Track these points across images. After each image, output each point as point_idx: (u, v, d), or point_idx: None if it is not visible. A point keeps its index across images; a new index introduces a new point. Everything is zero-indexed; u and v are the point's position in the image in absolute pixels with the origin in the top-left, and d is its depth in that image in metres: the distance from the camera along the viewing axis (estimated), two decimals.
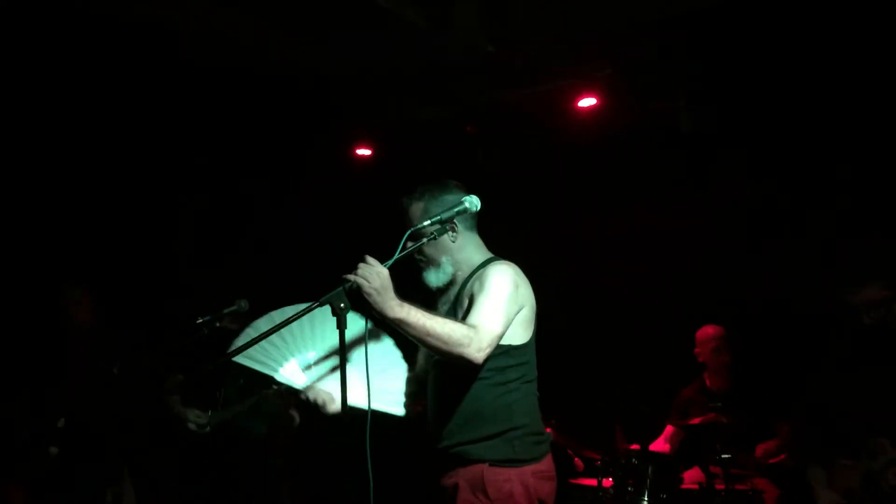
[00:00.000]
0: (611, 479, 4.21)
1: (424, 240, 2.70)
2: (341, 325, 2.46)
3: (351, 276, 2.46)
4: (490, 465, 2.73)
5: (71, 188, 5.05)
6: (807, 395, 3.38)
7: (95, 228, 5.13)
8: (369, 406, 2.58)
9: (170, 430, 3.89)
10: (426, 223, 2.69)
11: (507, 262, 2.83)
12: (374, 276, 2.47)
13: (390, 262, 2.59)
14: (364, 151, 5.85)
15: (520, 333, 2.78)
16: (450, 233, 2.81)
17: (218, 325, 3.61)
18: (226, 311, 3.65)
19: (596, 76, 4.91)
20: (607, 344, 4.96)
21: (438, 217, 2.70)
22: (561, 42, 4.58)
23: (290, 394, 3.38)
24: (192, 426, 3.65)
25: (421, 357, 3.04)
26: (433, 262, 2.85)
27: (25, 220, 4.91)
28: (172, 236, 5.58)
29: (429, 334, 2.54)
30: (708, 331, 4.79)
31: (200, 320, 3.55)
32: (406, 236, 2.68)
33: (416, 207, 2.84)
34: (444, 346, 2.56)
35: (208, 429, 3.63)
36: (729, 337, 4.75)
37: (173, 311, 4.68)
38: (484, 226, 2.95)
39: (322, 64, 4.79)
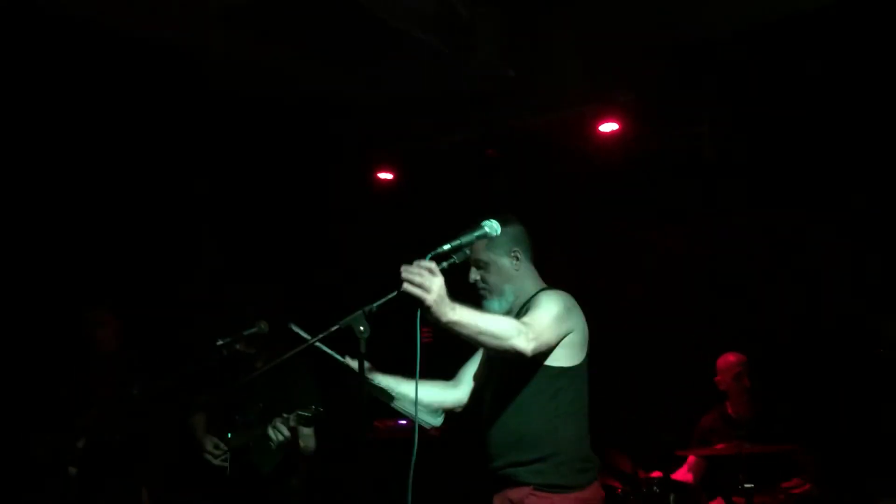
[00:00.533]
0: None
1: (444, 264, 2.68)
2: (360, 349, 2.47)
3: (410, 289, 2.39)
4: (535, 488, 2.75)
5: (93, 210, 5.10)
6: (878, 427, 3.31)
7: (117, 250, 5.17)
8: (416, 414, 2.60)
9: (190, 453, 3.89)
10: (446, 248, 2.66)
11: (559, 290, 2.91)
12: (434, 286, 2.40)
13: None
14: (386, 175, 5.88)
15: (570, 355, 2.82)
16: (514, 261, 2.93)
17: (238, 347, 3.63)
18: (245, 332, 3.65)
19: (618, 101, 4.91)
20: (626, 369, 4.91)
21: (459, 242, 2.68)
22: (582, 67, 4.59)
23: (304, 421, 3.39)
24: (208, 457, 3.67)
25: (468, 374, 3.09)
26: (496, 291, 2.94)
27: (46, 243, 4.96)
28: (195, 257, 5.61)
29: (481, 332, 2.55)
30: (729, 358, 4.73)
31: (220, 342, 3.56)
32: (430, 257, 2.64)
33: (479, 246, 2.88)
34: (495, 341, 2.58)
35: (226, 460, 3.64)
36: (750, 364, 4.69)
37: (194, 333, 4.71)
38: None
39: (348, 89, 4.84)
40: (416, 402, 2.60)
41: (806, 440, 4.25)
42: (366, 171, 5.85)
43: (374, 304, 2.59)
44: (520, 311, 2.88)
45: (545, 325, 2.69)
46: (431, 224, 3.31)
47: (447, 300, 2.45)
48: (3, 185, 4.63)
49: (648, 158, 5.05)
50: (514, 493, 2.78)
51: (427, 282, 2.38)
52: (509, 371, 2.84)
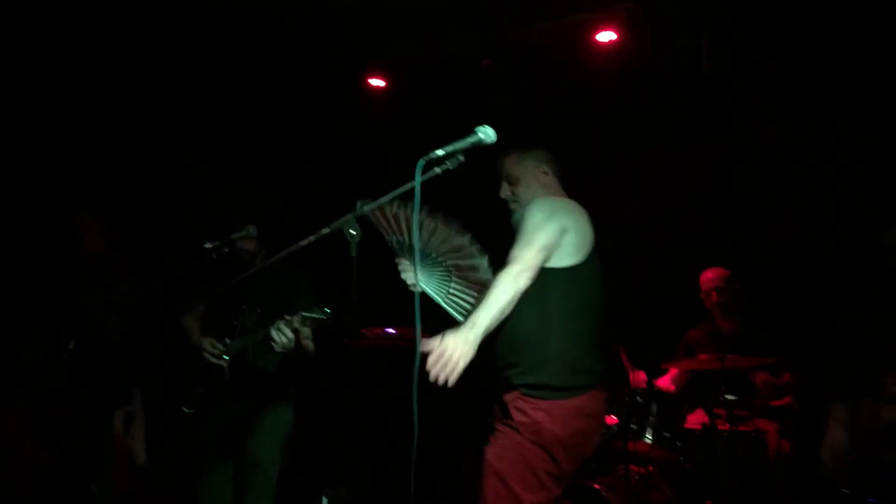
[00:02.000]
0: (615, 417, 4.24)
1: (438, 169, 2.63)
2: (352, 252, 2.46)
3: (453, 377, 2.45)
4: (523, 392, 2.79)
5: (77, 115, 5.02)
6: (833, 333, 3.36)
7: (103, 155, 5.12)
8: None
9: (183, 356, 3.91)
10: (440, 153, 2.60)
11: (553, 197, 3.03)
12: (458, 358, 2.45)
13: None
14: (378, 82, 5.76)
15: (559, 256, 2.82)
16: (542, 175, 3.09)
17: (226, 250, 3.61)
18: (234, 236, 3.64)
19: (617, 8, 4.78)
20: (618, 286, 4.93)
21: (453, 147, 2.64)
22: None
23: (305, 323, 3.38)
24: (207, 356, 3.65)
25: None
26: (525, 204, 2.97)
27: (33, 150, 4.89)
28: (181, 163, 5.55)
29: (502, 311, 2.64)
30: (707, 274, 4.75)
31: (209, 245, 3.54)
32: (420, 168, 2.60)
33: (512, 155, 3.11)
34: (506, 299, 2.65)
35: (226, 358, 3.65)
36: (732, 279, 4.70)
37: (182, 236, 4.69)
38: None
39: None
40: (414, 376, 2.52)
41: (789, 355, 4.32)
42: (357, 77, 5.72)
43: (366, 207, 2.57)
44: None
45: (527, 250, 2.73)
46: (424, 133, 3.25)
47: (463, 333, 2.50)
48: None
49: (646, 71, 4.95)
50: (507, 397, 2.83)
51: (451, 363, 2.44)
52: None
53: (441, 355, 2.43)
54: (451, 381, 2.44)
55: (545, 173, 3.11)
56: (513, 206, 3.12)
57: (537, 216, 2.82)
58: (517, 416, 2.77)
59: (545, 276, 2.78)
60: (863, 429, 3.14)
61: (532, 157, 3.12)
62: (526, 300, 2.74)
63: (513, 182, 3.12)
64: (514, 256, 2.74)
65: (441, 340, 2.47)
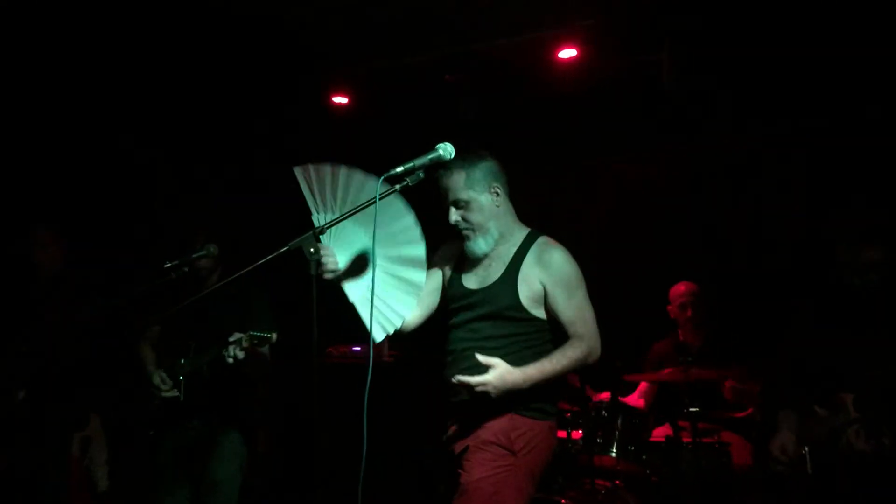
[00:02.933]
0: (580, 431, 4.24)
1: (397, 186, 2.62)
2: (312, 271, 2.45)
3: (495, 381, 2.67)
4: (523, 413, 2.83)
5: (33, 128, 4.92)
6: (786, 342, 3.39)
7: (62, 171, 5.02)
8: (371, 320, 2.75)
9: (140, 378, 3.86)
10: (399, 170, 2.60)
11: (552, 239, 2.99)
12: (502, 383, 2.68)
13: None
14: (341, 99, 5.74)
15: None
16: (494, 197, 2.93)
17: (186, 269, 3.57)
18: (194, 255, 3.62)
19: (578, 27, 4.82)
20: None
21: (412, 164, 2.62)
22: None
23: (253, 342, 3.38)
24: (156, 392, 3.68)
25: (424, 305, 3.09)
26: (480, 229, 2.94)
27: None
28: (142, 178, 5.47)
29: (557, 375, 2.78)
30: (680, 288, 4.81)
31: (168, 264, 3.50)
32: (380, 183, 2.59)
33: (458, 176, 2.91)
34: (573, 370, 2.84)
35: (181, 378, 3.63)
36: (703, 293, 4.77)
37: (141, 255, 4.62)
38: None
39: (299, 8, 4.66)
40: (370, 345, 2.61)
41: (751, 367, 4.36)
42: (320, 94, 5.69)
43: (325, 225, 2.57)
44: (518, 256, 2.91)
45: (591, 321, 2.86)
46: (388, 149, 3.24)
47: (514, 375, 2.69)
48: None
49: (608, 85, 4.99)
50: (499, 418, 2.82)
51: (482, 391, 2.66)
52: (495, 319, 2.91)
53: (481, 384, 2.65)
54: (464, 396, 2.72)
55: (496, 194, 2.95)
56: (466, 232, 2.95)
57: (582, 287, 2.89)
58: (509, 437, 2.79)
59: (552, 327, 2.91)
60: (812, 437, 3.18)
61: (480, 177, 2.91)
62: (530, 345, 2.88)
63: (462, 207, 2.93)
64: (581, 335, 2.82)
65: (491, 374, 2.66)
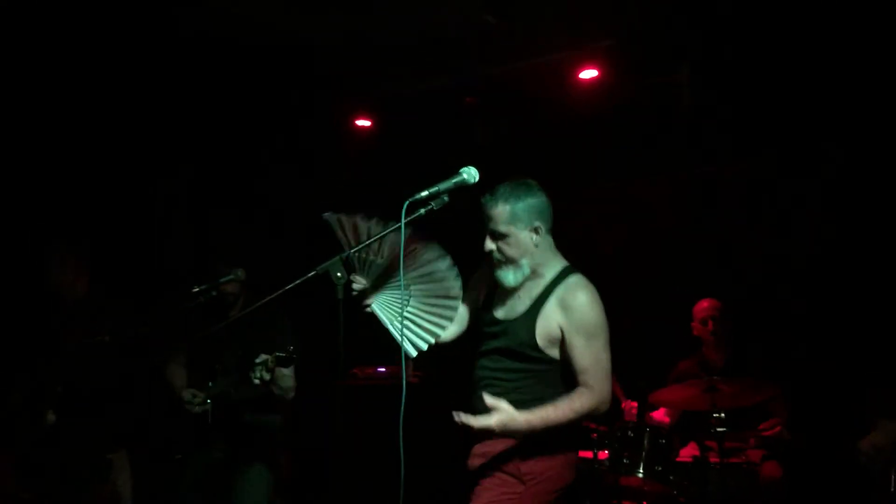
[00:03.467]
0: (606, 452, 4.22)
1: (422, 210, 2.64)
2: (338, 295, 2.48)
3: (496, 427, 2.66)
4: (535, 445, 2.80)
5: (59, 152, 4.98)
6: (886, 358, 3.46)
7: (87, 194, 5.07)
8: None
9: (167, 402, 3.90)
10: (424, 194, 2.60)
11: (583, 277, 2.92)
12: (503, 428, 2.67)
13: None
14: (364, 122, 5.82)
15: None
16: (534, 235, 2.88)
17: (214, 294, 3.62)
18: (222, 280, 3.66)
19: (597, 48, 4.86)
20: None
21: (437, 188, 2.65)
22: (562, 13, 4.52)
23: (283, 363, 3.41)
24: (188, 406, 3.70)
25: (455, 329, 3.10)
26: (512, 263, 2.91)
27: (12, 185, 4.84)
28: (167, 204, 5.55)
29: (560, 424, 2.74)
30: (703, 304, 4.79)
31: (197, 289, 3.55)
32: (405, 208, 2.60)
33: (502, 209, 2.87)
34: (578, 420, 2.80)
35: (208, 402, 3.66)
36: (726, 310, 4.75)
37: (167, 280, 4.66)
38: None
39: (322, 34, 4.74)
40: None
41: (779, 385, 4.33)
42: (343, 118, 5.77)
43: (352, 250, 2.60)
44: (546, 292, 2.89)
45: (603, 374, 2.80)
46: (410, 172, 3.28)
47: (514, 426, 2.68)
48: None
49: (629, 105, 5.02)
50: (511, 447, 2.83)
51: (486, 429, 2.65)
52: (512, 352, 2.91)
53: (482, 427, 2.64)
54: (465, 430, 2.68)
55: (535, 233, 2.89)
56: (497, 262, 2.93)
57: (601, 336, 2.83)
58: (518, 468, 2.80)
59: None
60: None
61: (524, 214, 2.86)
62: (553, 386, 2.87)
63: (499, 238, 2.89)
64: (592, 386, 2.78)
65: (494, 418, 2.65)
